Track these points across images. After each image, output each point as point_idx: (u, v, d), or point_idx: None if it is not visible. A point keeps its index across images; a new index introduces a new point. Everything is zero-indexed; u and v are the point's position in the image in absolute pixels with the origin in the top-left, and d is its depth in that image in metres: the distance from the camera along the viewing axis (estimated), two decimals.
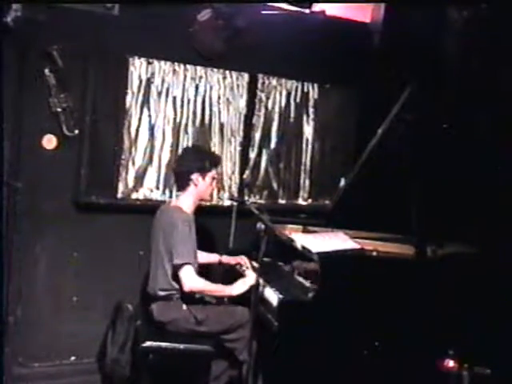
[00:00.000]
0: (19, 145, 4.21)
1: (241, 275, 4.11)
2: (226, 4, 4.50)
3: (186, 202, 4.07)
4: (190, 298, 3.98)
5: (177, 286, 3.93)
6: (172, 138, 4.70)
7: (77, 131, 4.34)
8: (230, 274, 4.28)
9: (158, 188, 4.70)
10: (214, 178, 4.14)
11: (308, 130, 5.23)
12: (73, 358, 4.51)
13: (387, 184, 3.83)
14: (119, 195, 4.58)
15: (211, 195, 4.36)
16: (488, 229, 3.95)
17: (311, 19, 4.84)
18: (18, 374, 4.32)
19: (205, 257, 4.30)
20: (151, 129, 4.63)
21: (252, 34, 4.61)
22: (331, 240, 3.95)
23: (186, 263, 3.86)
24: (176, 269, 3.88)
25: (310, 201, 5.31)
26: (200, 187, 4.06)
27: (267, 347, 3.76)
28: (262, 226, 3.89)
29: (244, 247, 4.46)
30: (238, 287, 3.93)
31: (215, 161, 4.17)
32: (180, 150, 4.65)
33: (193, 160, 4.09)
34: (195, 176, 4.04)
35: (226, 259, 4.39)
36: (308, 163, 5.28)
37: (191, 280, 3.87)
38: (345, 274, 3.59)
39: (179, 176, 4.15)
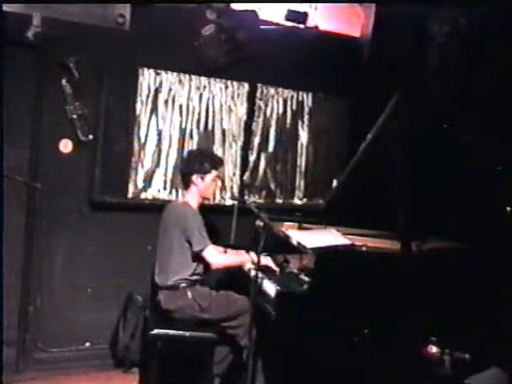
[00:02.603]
0: (38, 148, 4.24)
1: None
2: (228, 20, 4.50)
3: (191, 199, 4.10)
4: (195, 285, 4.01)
5: (187, 277, 3.94)
6: (178, 142, 4.73)
7: (91, 136, 4.37)
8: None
9: (165, 188, 4.72)
10: (214, 179, 4.14)
11: (303, 135, 5.25)
12: (87, 343, 4.52)
13: (375, 185, 3.80)
14: (129, 195, 4.60)
15: (214, 194, 4.36)
16: (465, 225, 3.96)
17: (306, 34, 4.86)
18: (38, 358, 4.36)
19: None
20: (159, 134, 4.65)
21: (252, 47, 4.63)
22: (324, 236, 3.95)
23: (205, 246, 3.90)
24: (199, 254, 3.90)
25: (304, 200, 5.32)
26: (200, 187, 4.08)
27: (266, 334, 3.75)
28: (261, 224, 3.89)
29: (244, 243, 4.37)
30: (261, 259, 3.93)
31: (215, 163, 4.15)
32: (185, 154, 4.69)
33: (193, 162, 4.11)
34: (195, 177, 4.06)
35: (230, 252, 4.32)
36: (303, 166, 5.29)
37: (216, 258, 3.94)
38: (336, 267, 3.58)
39: (183, 177, 4.20)
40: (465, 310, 3.83)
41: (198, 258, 3.94)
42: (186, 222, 3.94)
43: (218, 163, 4.21)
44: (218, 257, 3.98)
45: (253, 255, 3.96)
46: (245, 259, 4.03)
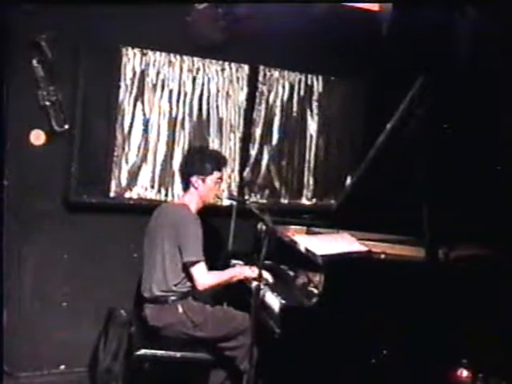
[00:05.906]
0: (4, 140, 4.17)
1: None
2: None
3: (190, 202, 4.08)
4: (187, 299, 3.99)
5: (174, 288, 3.91)
6: (167, 133, 4.69)
7: (67, 126, 4.33)
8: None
9: (152, 187, 4.69)
10: (217, 181, 4.13)
11: (312, 126, 5.22)
12: (62, 367, 4.51)
13: (396, 183, 3.79)
14: (112, 194, 4.57)
15: (217, 197, 4.34)
16: (505, 230, 3.93)
17: (316, 7, 4.80)
18: None
19: None
20: (145, 124, 4.62)
21: (253, 22, 4.58)
22: (336, 242, 3.95)
23: (198, 261, 3.88)
24: (188, 266, 3.88)
25: (314, 200, 5.31)
26: (201, 190, 4.06)
27: (269, 355, 3.74)
28: (264, 227, 3.91)
29: (244, 250, 4.45)
30: (249, 270, 3.97)
31: (218, 163, 4.14)
32: (176, 147, 4.69)
33: (193, 162, 4.09)
34: (194, 179, 4.05)
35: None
36: (312, 160, 5.27)
37: (204, 278, 3.89)
38: (351, 278, 3.58)
39: (181, 177, 4.19)
40: (501, 327, 3.80)
41: (186, 269, 3.91)
42: (185, 227, 3.91)
43: (221, 163, 4.19)
44: (207, 276, 3.91)
45: (246, 270, 3.98)
46: (236, 277, 4.01)
